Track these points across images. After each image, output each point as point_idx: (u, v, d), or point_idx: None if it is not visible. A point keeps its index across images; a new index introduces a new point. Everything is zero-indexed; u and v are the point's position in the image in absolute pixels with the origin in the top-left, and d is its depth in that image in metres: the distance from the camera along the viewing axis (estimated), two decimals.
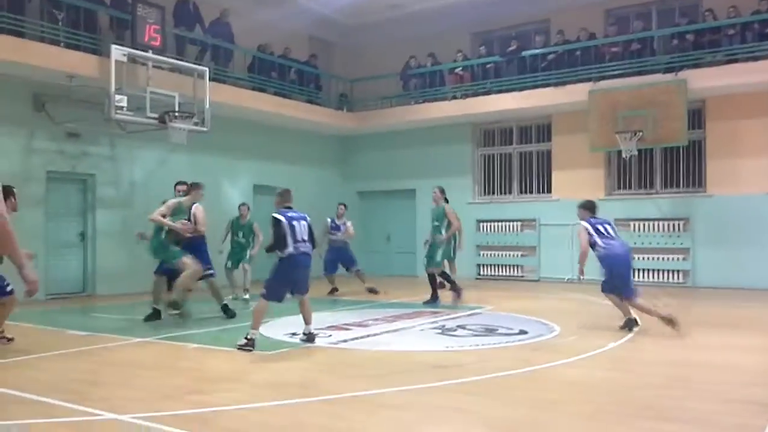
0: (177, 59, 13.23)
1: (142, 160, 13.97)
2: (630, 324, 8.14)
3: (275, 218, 7.17)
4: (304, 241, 7.24)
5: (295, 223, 7.24)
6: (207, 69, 13.08)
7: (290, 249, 7.08)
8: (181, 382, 5.75)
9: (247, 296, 11.80)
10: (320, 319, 9.50)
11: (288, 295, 7.33)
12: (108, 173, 13.48)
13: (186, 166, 14.55)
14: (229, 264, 12.04)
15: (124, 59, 11.59)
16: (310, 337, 7.43)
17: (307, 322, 7.47)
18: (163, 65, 12.63)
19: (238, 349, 6.98)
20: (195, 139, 12.96)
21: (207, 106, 12.81)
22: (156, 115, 12.00)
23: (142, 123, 12.07)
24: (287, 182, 17.09)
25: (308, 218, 7.58)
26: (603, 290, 8.35)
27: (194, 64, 13.36)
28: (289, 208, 7.45)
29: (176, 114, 12.20)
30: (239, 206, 12.41)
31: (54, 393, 5.24)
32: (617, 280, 8.18)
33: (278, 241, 7.10)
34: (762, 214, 13.44)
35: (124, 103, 11.49)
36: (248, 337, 7.03)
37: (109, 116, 11.49)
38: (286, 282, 7.15)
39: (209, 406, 4.91)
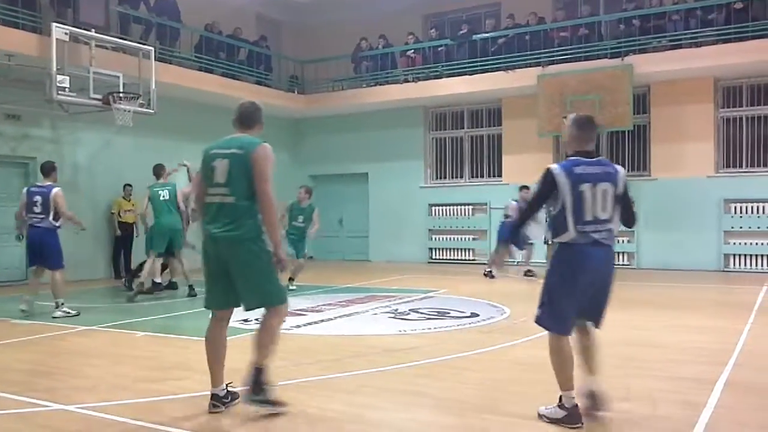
0: (121, 38, 12.85)
1: (86, 142, 13.57)
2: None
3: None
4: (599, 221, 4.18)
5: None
6: (152, 48, 12.75)
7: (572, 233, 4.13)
8: (130, 371, 5.64)
9: (293, 287, 10.97)
10: None
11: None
12: (50, 156, 12.90)
13: (131, 149, 14.22)
14: (291, 251, 10.86)
15: (66, 38, 11.19)
16: None
17: None
18: (107, 44, 12.24)
19: None
20: (141, 120, 12.64)
21: (153, 86, 12.49)
22: (100, 96, 11.66)
23: (86, 104, 11.72)
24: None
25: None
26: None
27: (139, 43, 13.00)
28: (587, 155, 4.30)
29: (121, 95, 11.88)
30: (299, 189, 11.46)
31: None
32: None
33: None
34: (704, 197, 13.88)
35: (66, 84, 11.13)
36: None
37: (50, 97, 11.11)
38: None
39: (160, 395, 4.84)
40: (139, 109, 12.22)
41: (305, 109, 17.79)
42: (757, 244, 13.54)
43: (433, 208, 17.00)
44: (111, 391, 5.02)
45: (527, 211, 4.44)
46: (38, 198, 8.63)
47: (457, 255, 16.72)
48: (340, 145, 18.12)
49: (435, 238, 16.96)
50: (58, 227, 8.81)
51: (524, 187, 12.46)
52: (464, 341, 6.70)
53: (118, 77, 11.90)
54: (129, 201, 13.76)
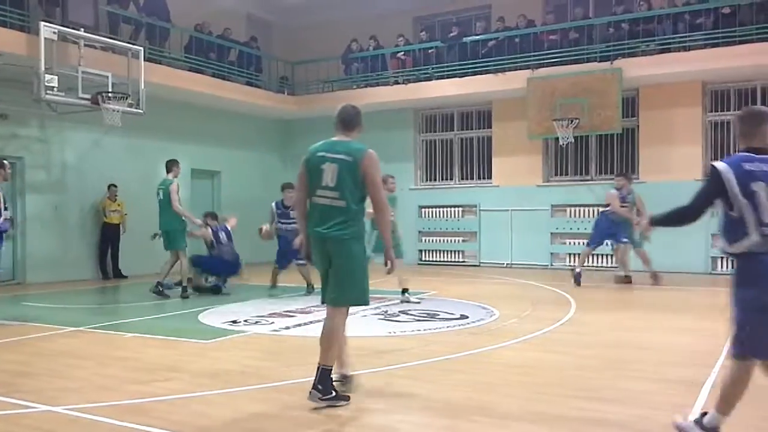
0: (110, 38, 12.78)
1: (75, 142, 13.48)
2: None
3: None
4: None
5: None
6: (142, 48, 12.68)
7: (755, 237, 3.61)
8: (117, 373, 5.60)
9: (414, 299, 9.73)
10: (262, 306, 9.45)
11: None
12: (38, 156, 12.96)
13: (120, 149, 14.16)
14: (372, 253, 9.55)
15: (54, 37, 11.11)
16: None
17: None
18: (96, 44, 12.17)
19: None
20: (130, 121, 12.58)
21: (142, 87, 12.43)
22: (88, 96, 11.59)
23: (74, 104, 11.65)
24: (226, 167, 17.04)
25: None
26: None
27: (128, 43, 12.93)
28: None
29: (110, 95, 11.81)
30: (387, 177, 9.64)
31: None
32: None
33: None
34: None
35: (55, 83, 11.05)
36: None
37: (38, 96, 11.04)
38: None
39: (148, 397, 4.81)
40: (128, 109, 12.16)
41: (295, 110, 17.76)
42: None
43: (423, 209, 17.01)
44: (98, 392, 4.99)
45: (689, 212, 3.89)
46: None
47: (447, 257, 16.73)
48: None
49: (425, 240, 16.97)
50: None
51: (621, 174, 12.07)
52: (453, 343, 6.70)
53: (107, 77, 11.83)
54: (114, 201, 13.70)
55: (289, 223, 10.42)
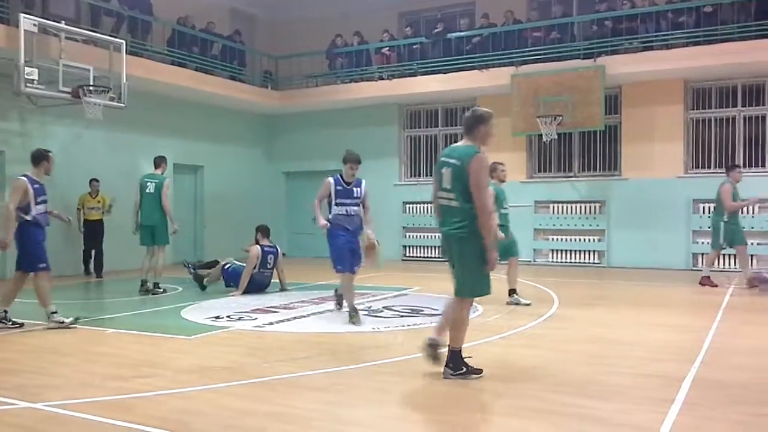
0: (91, 31, 12.64)
1: (56, 136, 13.30)
2: None
3: None
4: None
5: None
6: (123, 42, 12.58)
7: None
8: (100, 369, 5.56)
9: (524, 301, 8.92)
10: (246, 301, 9.41)
11: None
12: (18, 150, 12.76)
13: (102, 143, 14.02)
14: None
15: (35, 29, 10.98)
16: None
17: None
18: (77, 37, 12.04)
19: None
20: (112, 115, 12.47)
21: (124, 80, 12.32)
22: (69, 89, 11.48)
23: (55, 97, 11.54)
24: (210, 162, 16.94)
25: None
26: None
27: (110, 36, 12.80)
28: None
29: (91, 88, 11.69)
30: (497, 165, 9.16)
31: None
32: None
33: None
34: (673, 197, 14.10)
35: (35, 76, 10.95)
36: None
37: (18, 89, 10.92)
38: None
39: (130, 393, 4.78)
40: (110, 102, 12.05)
41: (279, 105, 17.69)
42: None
43: (407, 205, 17.03)
44: (80, 388, 4.94)
45: None
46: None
47: (431, 253, 16.76)
48: (314, 142, 18.04)
49: (409, 236, 16.99)
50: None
51: (735, 166, 11.15)
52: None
53: (89, 70, 11.72)
54: (95, 198, 13.14)
55: (351, 204, 7.95)
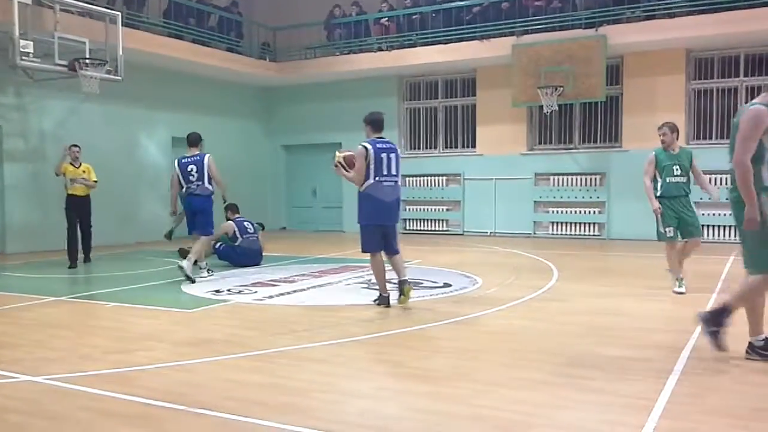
0: (87, 2, 12.47)
1: (52, 110, 13.23)
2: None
3: None
4: None
5: None
6: (119, 14, 12.42)
7: None
8: (100, 342, 5.57)
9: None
10: (246, 275, 9.43)
11: None
12: (15, 124, 12.72)
13: (99, 117, 13.94)
14: (669, 231, 8.27)
15: (29, 1, 10.85)
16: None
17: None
18: (72, 9, 11.90)
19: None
20: (108, 88, 12.38)
21: (120, 53, 12.21)
22: (65, 62, 11.37)
23: (51, 70, 11.44)
24: (208, 135, 16.68)
25: None
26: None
27: (105, 8, 12.65)
28: None
29: (87, 61, 11.58)
30: (660, 128, 8.58)
31: None
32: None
33: None
34: None
35: (30, 49, 10.84)
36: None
37: (13, 63, 10.82)
38: None
39: (131, 366, 4.79)
40: (106, 75, 11.96)
41: (277, 77, 17.54)
42: (725, 215, 13.74)
43: (407, 178, 16.96)
44: (80, 362, 4.96)
45: None
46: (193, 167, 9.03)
47: (431, 226, 16.75)
48: (313, 115, 17.93)
49: (409, 209, 16.96)
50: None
51: None
52: (437, 311, 6.73)
53: (84, 43, 11.60)
54: (78, 168, 10.75)
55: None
